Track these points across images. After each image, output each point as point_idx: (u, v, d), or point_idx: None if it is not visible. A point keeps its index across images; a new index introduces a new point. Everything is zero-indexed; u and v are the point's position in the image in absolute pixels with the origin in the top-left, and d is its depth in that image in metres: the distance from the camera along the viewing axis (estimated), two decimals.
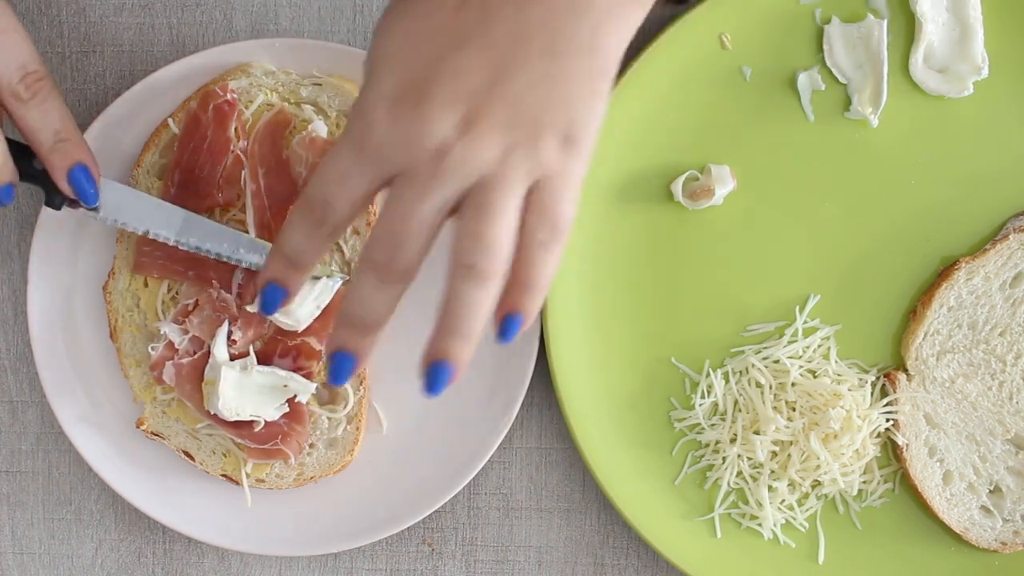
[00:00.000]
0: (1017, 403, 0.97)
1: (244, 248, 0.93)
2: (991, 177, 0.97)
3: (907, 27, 0.97)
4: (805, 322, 0.97)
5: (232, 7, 0.99)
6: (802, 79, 0.97)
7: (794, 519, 0.98)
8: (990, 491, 0.98)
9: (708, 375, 0.98)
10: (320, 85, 0.96)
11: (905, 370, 0.97)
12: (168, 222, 0.92)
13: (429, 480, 0.98)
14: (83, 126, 0.99)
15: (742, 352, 0.98)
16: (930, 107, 0.97)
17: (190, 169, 0.95)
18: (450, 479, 0.97)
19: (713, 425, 0.98)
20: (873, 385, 0.97)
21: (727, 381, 0.97)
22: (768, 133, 0.97)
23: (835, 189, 0.97)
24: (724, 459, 0.97)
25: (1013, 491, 0.97)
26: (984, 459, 0.97)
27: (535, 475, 1.01)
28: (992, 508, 0.97)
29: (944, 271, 0.96)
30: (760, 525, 0.98)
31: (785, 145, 0.97)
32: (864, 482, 0.98)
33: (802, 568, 0.98)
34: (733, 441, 0.97)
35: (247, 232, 0.94)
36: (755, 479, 0.98)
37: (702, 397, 0.97)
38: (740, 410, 0.97)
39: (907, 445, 0.96)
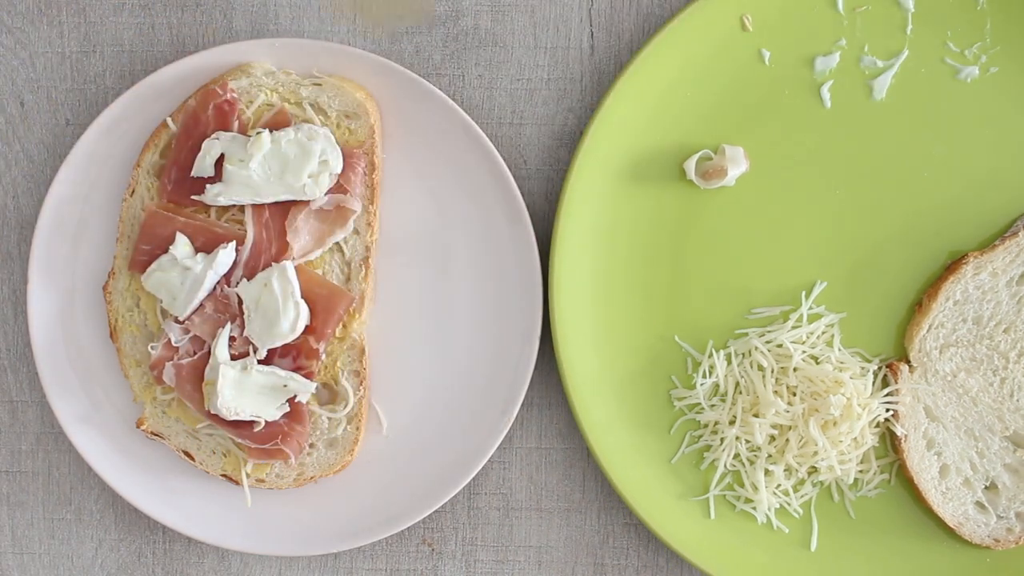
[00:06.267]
0: (1017, 400, 0.97)
1: None
2: (1004, 174, 0.98)
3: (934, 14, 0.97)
4: (810, 308, 0.98)
5: (232, 7, 0.99)
6: (820, 65, 0.97)
7: (788, 504, 0.98)
8: (986, 487, 0.98)
9: (711, 355, 0.98)
10: (320, 85, 0.96)
11: (908, 361, 0.97)
12: None
13: (429, 480, 0.98)
14: (83, 126, 0.99)
15: (746, 334, 0.98)
16: (947, 101, 0.97)
17: (187, 167, 0.95)
18: (450, 479, 0.97)
19: (713, 406, 0.98)
20: (875, 374, 0.97)
21: (729, 362, 0.98)
22: (784, 118, 0.97)
23: (848, 178, 0.97)
24: (722, 440, 0.97)
25: (1009, 488, 0.97)
26: (982, 455, 0.97)
27: (535, 475, 1.01)
28: (987, 504, 0.98)
29: (952, 265, 0.97)
30: (755, 509, 0.98)
31: (800, 131, 0.97)
32: (861, 471, 0.98)
33: (794, 554, 0.98)
34: (732, 423, 0.97)
35: (245, 231, 0.94)
36: (752, 462, 0.98)
37: (704, 377, 0.98)
38: (741, 392, 0.97)
39: (906, 436, 0.96)
